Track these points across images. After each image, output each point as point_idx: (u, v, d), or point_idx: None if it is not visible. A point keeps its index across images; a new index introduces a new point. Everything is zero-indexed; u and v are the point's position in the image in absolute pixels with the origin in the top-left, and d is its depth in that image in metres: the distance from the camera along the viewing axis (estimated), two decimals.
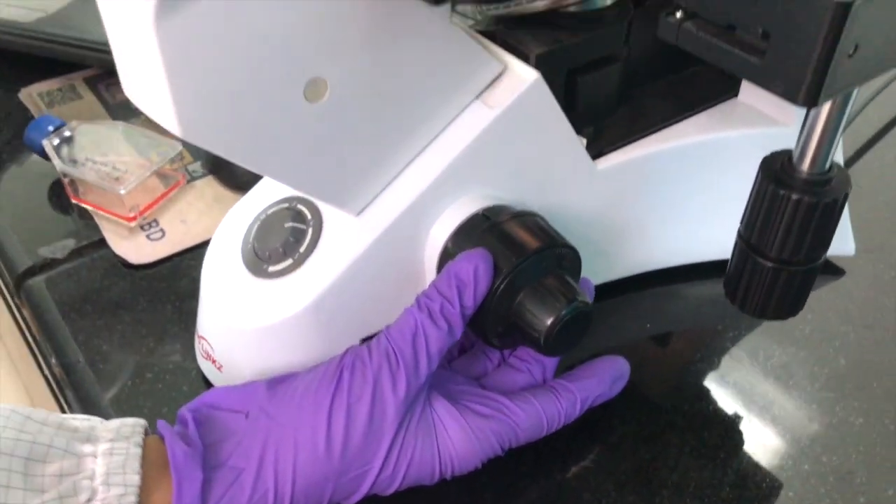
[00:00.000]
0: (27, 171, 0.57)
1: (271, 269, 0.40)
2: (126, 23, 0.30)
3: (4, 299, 0.77)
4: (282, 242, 0.40)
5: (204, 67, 0.30)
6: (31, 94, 0.63)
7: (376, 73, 0.35)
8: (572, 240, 0.39)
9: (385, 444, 0.35)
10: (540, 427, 0.39)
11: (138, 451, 0.32)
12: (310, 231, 0.40)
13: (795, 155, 0.35)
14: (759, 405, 0.43)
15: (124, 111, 0.62)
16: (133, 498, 0.31)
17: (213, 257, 0.42)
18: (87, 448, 0.32)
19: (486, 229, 0.38)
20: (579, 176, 0.43)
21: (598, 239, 0.46)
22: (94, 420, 0.34)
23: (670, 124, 0.46)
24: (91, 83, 0.64)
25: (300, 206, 0.40)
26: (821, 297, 0.48)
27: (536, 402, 0.39)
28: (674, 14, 0.32)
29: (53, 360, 0.45)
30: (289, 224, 0.40)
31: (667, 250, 0.49)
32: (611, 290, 0.48)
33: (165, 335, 0.45)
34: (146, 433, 0.34)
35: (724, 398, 0.44)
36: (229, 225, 0.43)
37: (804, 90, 0.28)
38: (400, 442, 0.35)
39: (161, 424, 0.34)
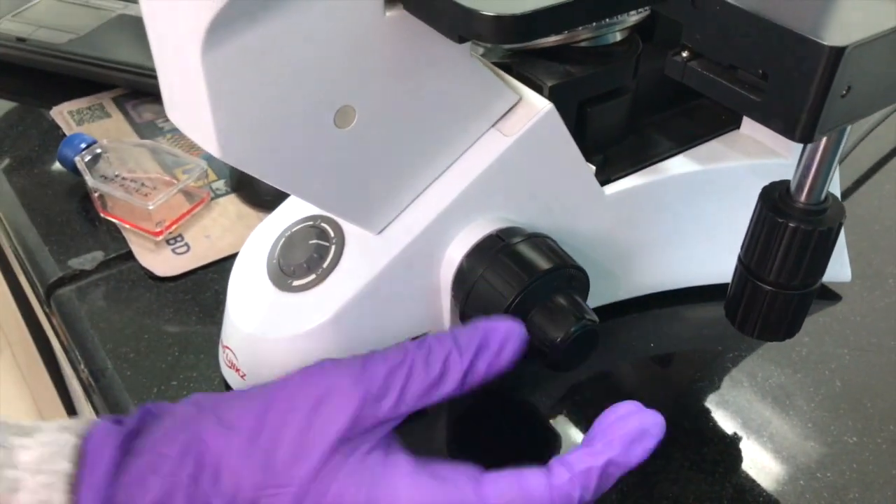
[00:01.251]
0: (58, 185, 0.59)
1: (295, 283, 0.42)
2: (173, 50, 0.32)
3: (27, 310, 0.79)
4: (306, 258, 0.42)
5: (244, 97, 0.32)
6: (62, 112, 0.66)
7: (401, 102, 0.37)
8: (580, 261, 0.41)
9: (307, 468, 0.31)
10: None
11: (75, 440, 0.31)
12: (332, 248, 0.42)
13: (793, 186, 0.37)
14: (757, 423, 0.45)
15: (150, 129, 0.64)
16: (62, 484, 0.29)
17: (240, 270, 0.44)
18: (22, 440, 0.30)
19: (500, 249, 0.40)
20: (588, 201, 0.45)
21: (605, 261, 0.48)
22: (42, 422, 0.32)
23: (675, 154, 0.48)
24: (119, 102, 0.67)
25: (324, 224, 0.43)
26: (818, 322, 0.50)
27: (523, 481, 0.32)
28: (680, 53, 0.34)
29: (82, 367, 0.47)
30: (313, 241, 0.42)
31: (670, 273, 0.51)
32: (616, 311, 0.50)
33: (189, 345, 0.48)
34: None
35: (724, 416, 0.45)
36: (256, 240, 0.45)
37: (800, 128, 0.30)
38: (329, 475, 0.31)
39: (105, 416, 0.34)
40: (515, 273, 0.39)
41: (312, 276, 0.41)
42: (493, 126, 0.41)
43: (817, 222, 0.36)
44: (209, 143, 0.33)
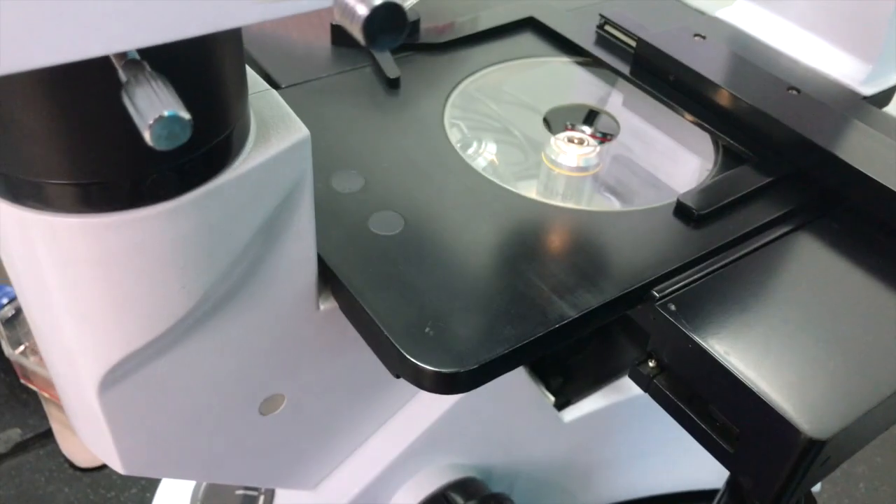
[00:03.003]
0: None
1: None
2: (75, 388, 0.28)
3: None
4: None
5: (149, 417, 0.28)
6: None
7: (335, 379, 0.33)
8: (537, 485, 0.39)
9: None
10: None
11: None
12: (261, 499, 0.38)
13: None
14: None
15: None
16: None
17: None
18: None
19: None
20: (546, 432, 0.42)
21: (563, 480, 0.45)
22: None
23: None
24: None
25: None
26: None
27: None
28: (646, 363, 0.31)
29: None
30: (239, 490, 0.38)
31: (628, 485, 0.48)
32: None
33: None
34: None
35: None
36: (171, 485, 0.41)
37: (772, 496, 0.27)
38: None
39: None
40: None
41: None
42: None
43: None
44: (114, 463, 0.29)
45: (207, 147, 0.22)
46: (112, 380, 0.26)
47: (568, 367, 0.43)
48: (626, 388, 0.43)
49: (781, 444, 0.26)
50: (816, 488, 0.49)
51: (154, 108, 0.17)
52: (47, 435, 0.49)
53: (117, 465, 0.29)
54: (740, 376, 0.27)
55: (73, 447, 0.48)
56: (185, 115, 0.17)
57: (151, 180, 0.21)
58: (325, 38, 0.42)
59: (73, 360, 0.26)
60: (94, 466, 0.48)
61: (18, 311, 0.53)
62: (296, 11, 0.18)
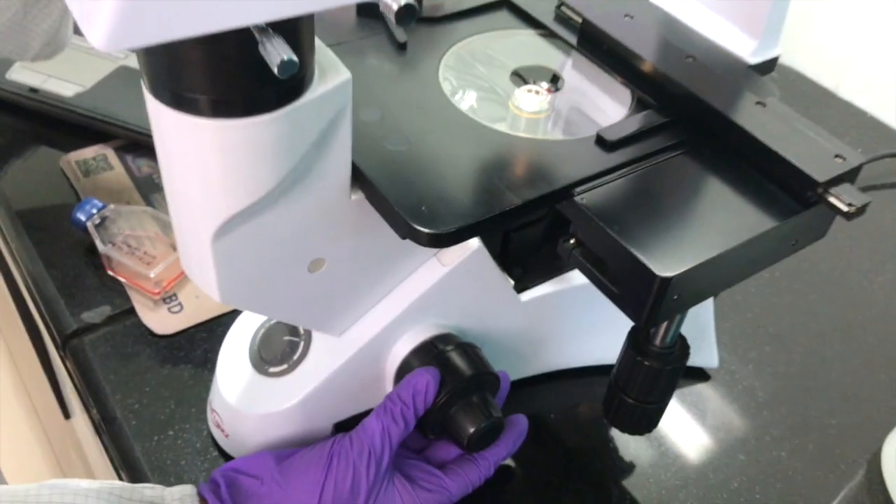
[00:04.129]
0: (70, 238, 0.69)
1: (271, 370, 0.53)
2: (191, 233, 0.43)
3: (39, 348, 0.91)
4: (280, 351, 0.53)
5: (241, 262, 0.43)
6: (70, 163, 0.75)
7: (361, 251, 0.48)
8: (500, 349, 0.53)
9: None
10: (466, 490, 0.53)
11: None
12: (302, 343, 0.53)
13: (651, 333, 0.49)
14: (628, 458, 0.58)
15: (148, 184, 0.74)
16: None
17: (228, 350, 0.56)
18: None
19: (435, 356, 0.52)
20: (508, 307, 0.57)
21: (520, 347, 0.60)
22: (159, 488, 0.46)
23: None
24: (120, 154, 0.77)
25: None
26: (685, 400, 0.63)
27: (463, 474, 0.52)
28: (569, 241, 0.46)
29: (94, 411, 0.59)
30: (286, 337, 0.53)
31: (570, 356, 0.63)
32: (529, 382, 0.62)
33: (183, 399, 0.59)
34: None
35: (601, 455, 0.59)
36: (240, 327, 0.56)
37: (643, 320, 0.42)
38: None
39: (203, 488, 0.47)
40: (444, 377, 0.51)
41: (285, 366, 0.53)
42: (433, 256, 0.52)
43: (666, 362, 0.49)
44: (213, 294, 0.44)
45: (296, 80, 0.36)
46: (222, 232, 0.41)
47: (526, 262, 0.58)
48: (569, 279, 0.58)
49: (645, 283, 0.41)
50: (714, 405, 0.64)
51: (279, 53, 0.31)
52: (131, 311, 0.64)
53: (216, 295, 0.44)
54: (622, 241, 0.41)
55: (151, 320, 0.63)
56: (295, 58, 0.32)
57: (261, 98, 0.36)
58: (352, 12, 0.56)
59: (196, 217, 0.41)
60: (168, 333, 0.63)
61: (104, 219, 0.67)
62: (353, 1, 0.33)
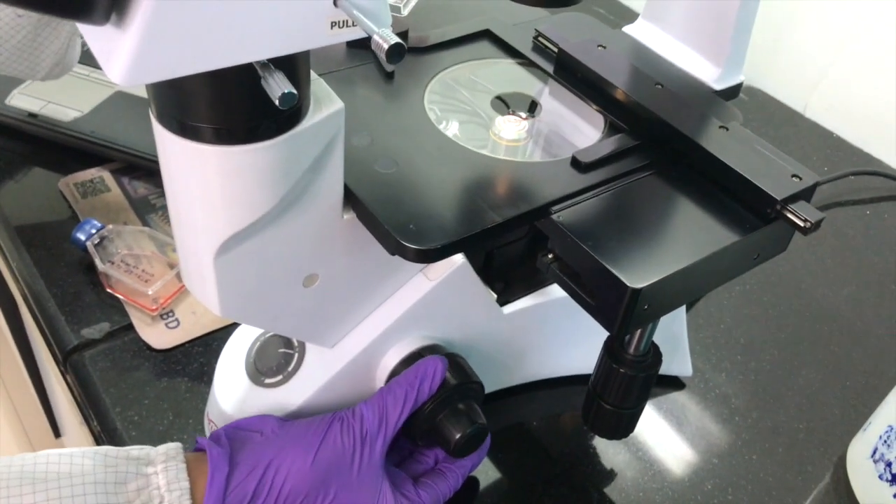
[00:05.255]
0: (69, 257, 0.71)
1: (267, 381, 0.56)
2: (193, 251, 0.46)
3: (31, 369, 0.93)
4: (275, 362, 0.56)
5: (239, 278, 0.46)
6: (69, 185, 0.78)
7: (353, 267, 0.51)
8: (483, 359, 0.56)
9: (379, 489, 0.51)
10: (439, 502, 0.55)
11: (184, 465, 0.47)
12: (296, 355, 0.56)
13: (625, 341, 0.52)
14: (608, 462, 0.61)
15: (144, 205, 0.77)
16: (188, 497, 0.45)
17: (225, 362, 0.58)
18: (150, 469, 0.46)
19: None
20: (491, 319, 0.60)
21: (503, 358, 0.63)
22: (147, 448, 0.48)
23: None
24: (116, 177, 0.79)
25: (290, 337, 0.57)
26: (661, 407, 0.67)
27: (435, 486, 0.55)
28: (548, 255, 0.49)
29: (95, 423, 0.61)
30: (281, 349, 0.56)
31: (550, 366, 0.66)
32: (509, 392, 0.65)
33: (181, 411, 0.61)
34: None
35: (587, 455, 0.62)
36: (236, 340, 0.59)
37: (616, 328, 0.45)
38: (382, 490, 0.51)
39: (200, 438, 0.49)
40: None
41: (280, 377, 0.56)
42: (420, 272, 0.56)
43: (640, 369, 0.52)
44: (214, 307, 0.47)
45: (292, 110, 0.40)
46: (223, 250, 0.44)
47: (508, 276, 0.61)
48: (549, 293, 0.62)
49: (617, 294, 0.44)
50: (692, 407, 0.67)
51: (280, 87, 0.35)
52: (129, 327, 0.66)
53: (216, 309, 0.47)
54: (596, 256, 0.44)
55: (149, 335, 0.65)
56: (295, 91, 0.35)
57: (261, 127, 0.39)
58: (343, 44, 0.60)
59: (198, 236, 0.44)
60: (165, 348, 0.65)
61: (102, 238, 0.70)
62: (350, 38, 0.36)
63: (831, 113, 1.02)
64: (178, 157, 0.41)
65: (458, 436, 0.53)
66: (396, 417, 0.52)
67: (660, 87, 0.56)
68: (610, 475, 0.62)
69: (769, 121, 1.03)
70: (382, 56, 0.33)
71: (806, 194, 0.49)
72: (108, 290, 0.68)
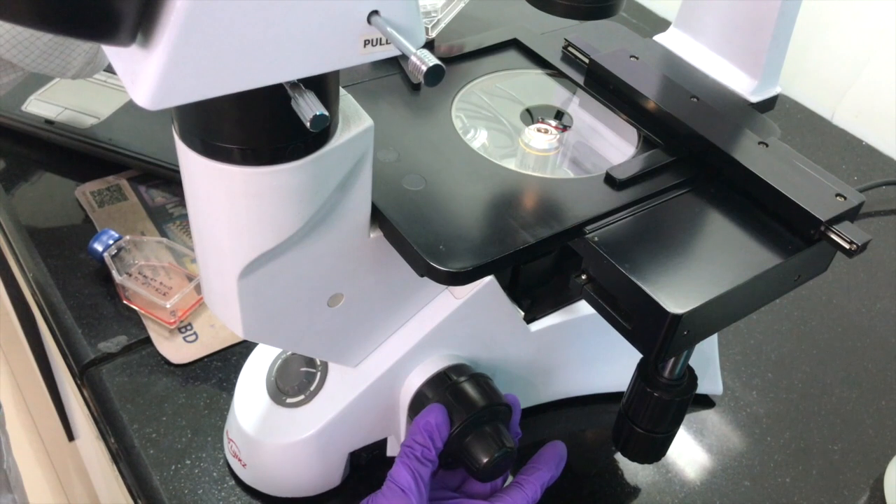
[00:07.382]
0: (86, 268, 0.70)
1: (289, 400, 0.54)
2: (216, 271, 0.44)
3: (45, 371, 0.92)
4: (297, 381, 0.54)
5: (264, 299, 0.45)
6: (85, 193, 0.76)
7: (378, 286, 0.50)
8: (511, 378, 0.55)
9: None
10: None
11: None
12: (318, 374, 0.54)
13: (660, 365, 0.50)
14: (631, 481, 0.59)
15: (161, 214, 0.76)
16: None
17: (245, 381, 0.57)
18: None
19: (448, 387, 0.53)
20: (518, 337, 0.58)
21: (529, 376, 0.61)
22: None
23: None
24: (133, 185, 0.78)
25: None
26: (692, 427, 0.65)
27: (510, 500, 0.52)
28: (581, 276, 0.47)
29: (112, 440, 0.60)
30: (303, 368, 0.55)
31: (578, 384, 0.64)
32: (537, 410, 0.63)
33: (199, 429, 0.60)
34: None
35: (614, 475, 0.60)
36: (257, 357, 0.57)
37: (654, 355, 0.44)
38: None
39: None
40: (458, 408, 0.52)
41: (302, 396, 0.54)
42: (446, 290, 0.54)
43: (675, 394, 0.50)
44: (237, 328, 0.45)
45: (321, 130, 0.38)
46: (247, 271, 0.42)
47: (535, 293, 0.60)
48: (576, 310, 0.60)
49: (656, 319, 0.42)
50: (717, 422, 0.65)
51: (311, 108, 0.33)
52: (147, 340, 0.65)
53: (239, 331, 0.46)
54: (634, 279, 0.43)
55: (167, 349, 0.64)
56: (326, 113, 0.33)
57: (289, 147, 0.38)
58: None
59: (222, 256, 0.42)
60: (184, 363, 0.64)
61: (120, 249, 0.69)
62: (383, 56, 0.34)
63: (861, 120, 1.00)
64: (202, 177, 0.39)
65: (485, 460, 0.52)
66: (427, 476, 0.49)
67: (695, 100, 0.54)
68: (637, 496, 0.60)
69: (796, 127, 1.01)
70: (420, 78, 0.32)
71: (850, 214, 0.47)
72: (126, 303, 0.67)
